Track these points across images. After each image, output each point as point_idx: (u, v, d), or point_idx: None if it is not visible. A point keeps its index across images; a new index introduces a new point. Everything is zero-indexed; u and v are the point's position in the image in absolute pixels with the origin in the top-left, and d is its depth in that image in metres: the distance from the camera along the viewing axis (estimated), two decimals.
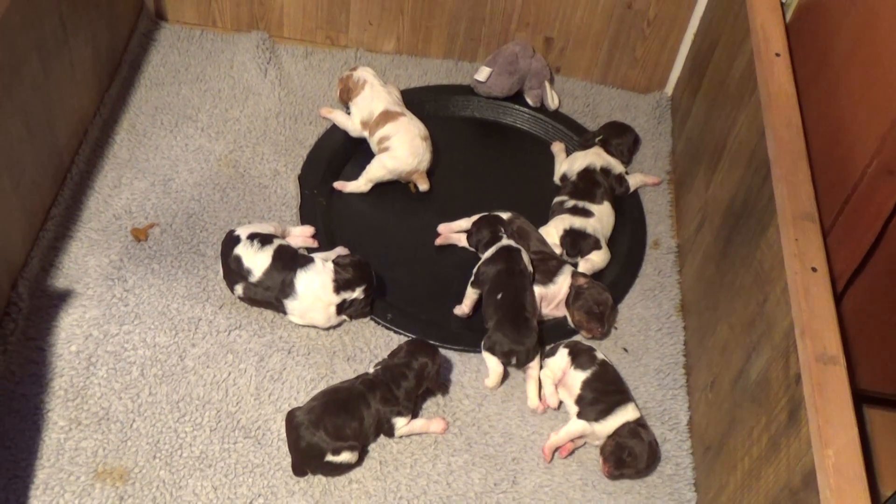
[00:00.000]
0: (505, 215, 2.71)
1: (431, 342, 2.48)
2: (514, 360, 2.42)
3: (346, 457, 2.18)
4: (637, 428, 2.30)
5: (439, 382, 2.39)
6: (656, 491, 2.32)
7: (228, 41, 3.14)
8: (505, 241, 2.58)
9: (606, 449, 2.30)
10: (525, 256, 2.55)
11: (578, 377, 2.40)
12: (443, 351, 2.49)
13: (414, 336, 2.48)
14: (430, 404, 2.39)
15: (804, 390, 1.76)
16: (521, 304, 2.45)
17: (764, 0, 2.50)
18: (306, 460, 2.18)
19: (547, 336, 2.56)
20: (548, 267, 2.58)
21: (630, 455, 2.26)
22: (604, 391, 2.37)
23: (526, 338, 2.41)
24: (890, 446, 2.59)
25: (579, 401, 2.38)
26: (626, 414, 2.33)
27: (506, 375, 2.46)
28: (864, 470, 1.63)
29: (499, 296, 2.47)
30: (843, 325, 2.27)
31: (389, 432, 2.27)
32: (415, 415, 2.31)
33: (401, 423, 2.26)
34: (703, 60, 2.93)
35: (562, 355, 2.44)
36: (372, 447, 2.29)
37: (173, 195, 2.70)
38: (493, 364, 2.43)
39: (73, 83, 2.64)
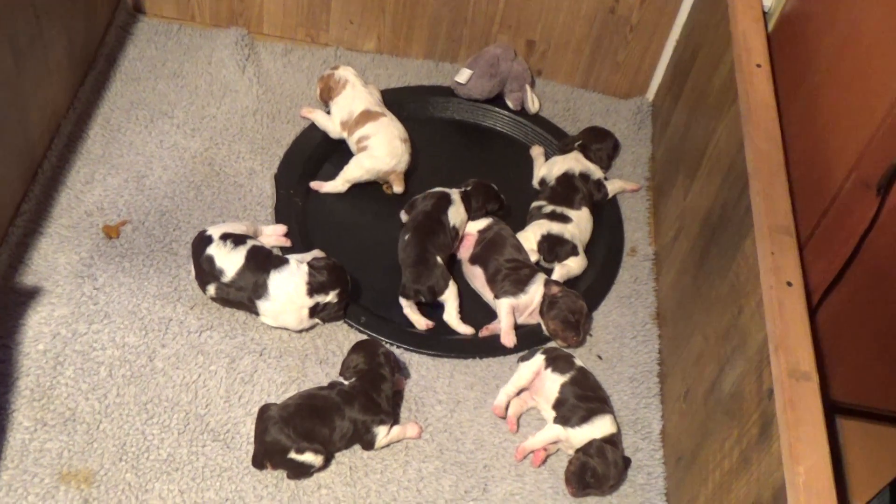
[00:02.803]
0: (484, 222, 2.69)
1: (404, 346, 2.48)
2: (421, 298, 2.53)
3: (308, 457, 2.16)
4: (605, 446, 2.27)
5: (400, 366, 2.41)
6: (627, 500, 2.30)
7: (207, 37, 3.11)
8: (445, 189, 2.69)
9: (570, 468, 2.27)
10: (455, 209, 2.64)
11: (557, 380, 2.38)
12: (416, 356, 2.48)
13: (385, 340, 2.47)
14: (402, 410, 2.37)
15: (776, 406, 1.75)
16: (423, 246, 2.54)
17: (746, 10, 2.49)
18: (269, 454, 2.16)
19: (523, 342, 2.54)
20: (519, 276, 2.56)
21: (593, 476, 2.23)
22: (583, 397, 2.35)
23: (425, 278, 2.51)
24: (862, 457, 2.60)
25: (557, 405, 2.36)
26: (603, 425, 2.31)
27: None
28: (833, 488, 1.62)
29: (406, 236, 2.59)
30: (816, 337, 2.27)
31: (370, 444, 2.25)
32: (395, 422, 2.30)
33: (382, 433, 2.24)
34: (685, 68, 2.92)
35: (537, 360, 2.42)
36: (342, 452, 2.26)
37: (146, 192, 2.66)
38: (407, 310, 2.55)
39: (47, 76, 2.59)
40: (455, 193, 2.69)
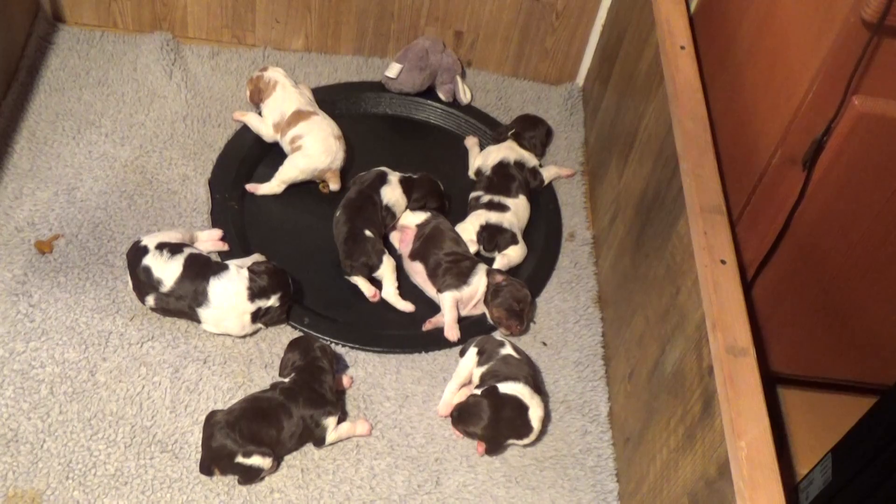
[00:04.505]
0: (422, 216, 2.70)
1: (349, 344, 2.47)
2: (353, 272, 2.59)
3: (256, 460, 2.14)
4: (504, 394, 2.28)
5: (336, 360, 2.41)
6: (579, 483, 2.33)
7: (131, 43, 3.06)
8: (385, 169, 2.72)
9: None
10: (389, 188, 2.66)
11: (478, 372, 2.40)
12: (362, 353, 2.48)
13: (330, 339, 2.47)
14: (351, 408, 2.37)
15: (716, 382, 1.79)
16: (353, 222, 2.58)
17: None
18: (216, 459, 2.15)
19: (467, 333, 2.55)
20: (461, 268, 2.57)
21: (464, 412, 2.28)
22: (498, 376, 2.36)
23: (358, 254, 2.56)
24: (805, 425, 2.67)
25: (480, 385, 2.38)
26: (513, 386, 2.32)
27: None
28: (775, 459, 1.66)
29: (337, 213, 2.63)
30: (754, 311, 2.33)
31: (320, 438, 2.24)
32: (342, 416, 2.29)
33: (332, 425, 2.24)
34: (612, 52, 2.95)
35: (471, 355, 2.42)
36: (293, 455, 2.26)
37: (78, 205, 2.62)
38: (355, 279, 2.60)
39: None
40: (394, 174, 2.71)
